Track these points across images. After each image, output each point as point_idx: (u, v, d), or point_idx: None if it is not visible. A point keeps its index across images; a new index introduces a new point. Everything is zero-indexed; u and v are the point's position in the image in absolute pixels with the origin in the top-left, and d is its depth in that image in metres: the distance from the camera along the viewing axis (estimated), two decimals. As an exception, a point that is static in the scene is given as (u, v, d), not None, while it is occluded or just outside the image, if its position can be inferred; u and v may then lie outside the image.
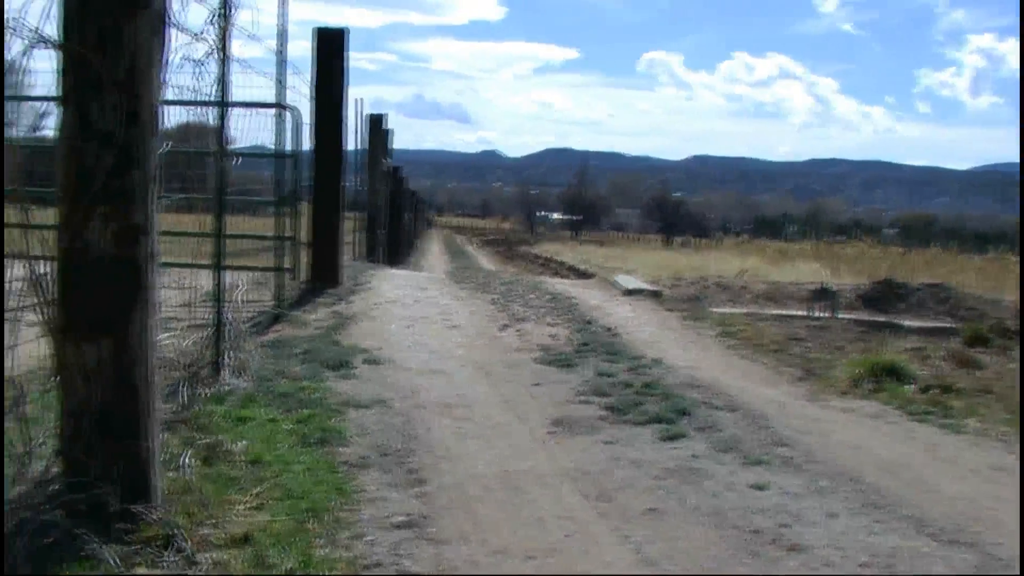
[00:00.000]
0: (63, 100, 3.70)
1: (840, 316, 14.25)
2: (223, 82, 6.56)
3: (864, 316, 14.99)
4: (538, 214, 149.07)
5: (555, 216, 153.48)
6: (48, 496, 3.77)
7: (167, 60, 4.17)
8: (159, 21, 3.82)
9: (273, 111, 9.71)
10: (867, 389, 7.88)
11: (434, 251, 54.13)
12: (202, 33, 6.08)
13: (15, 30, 3.56)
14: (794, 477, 5.32)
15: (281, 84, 9.59)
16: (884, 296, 16.77)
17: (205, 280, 7.19)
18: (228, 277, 7.79)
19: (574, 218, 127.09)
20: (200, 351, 6.64)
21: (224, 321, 6.83)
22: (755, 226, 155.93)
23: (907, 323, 14.47)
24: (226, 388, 6.28)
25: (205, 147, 7.30)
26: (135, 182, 3.74)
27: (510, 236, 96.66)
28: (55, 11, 3.69)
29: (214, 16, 6.39)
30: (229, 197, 8.67)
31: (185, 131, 7.96)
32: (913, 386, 7.95)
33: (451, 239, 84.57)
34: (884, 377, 8.06)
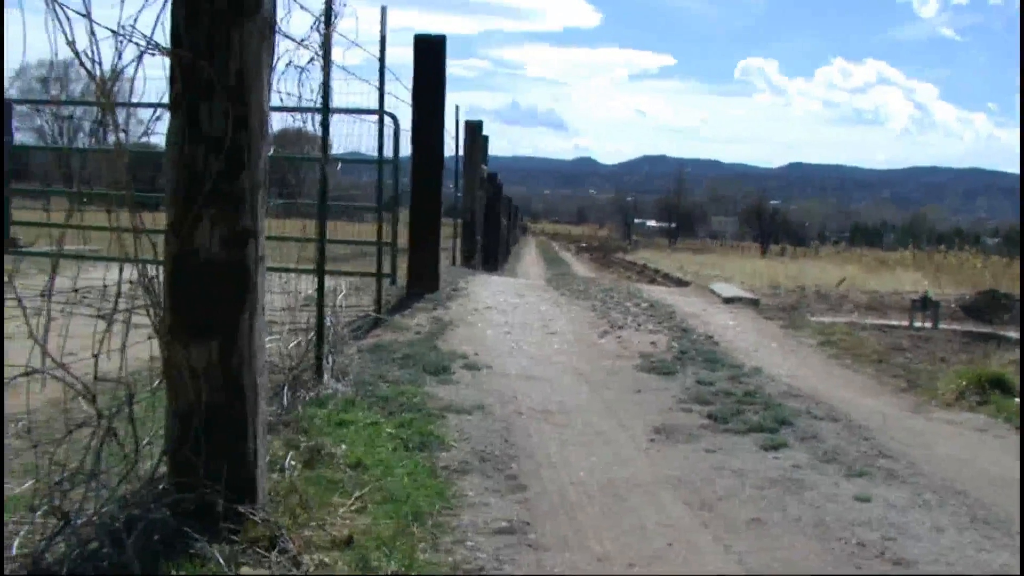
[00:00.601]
0: (173, 106, 3.75)
1: (942, 327, 14.02)
2: (326, 88, 6.61)
3: (968, 327, 14.75)
4: (634, 221, 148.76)
5: (651, 223, 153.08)
6: (156, 495, 3.82)
7: (274, 66, 4.24)
8: (267, 27, 3.86)
9: (374, 117, 9.79)
10: (972, 402, 7.73)
11: (530, 257, 54.22)
12: (305, 40, 6.14)
13: (127, 37, 3.61)
14: (898, 490, 5.23)
15: (382, 91, 9.65)
16: (988, 306, 16.49)
17: (306, 284, 7.25)
18: (329, 282, 7.85)
19: (670, 225, 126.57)
20: (302, 355, 6.69)
21: (326, 325, 6.88)
22: (852, 234, 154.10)
23: (1012, 334, 14.20)
24: (327, 392, 6.32)
25: (303, 153, 7.37)
26: (244, 186, 3.78)
27: (605, 243, 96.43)
28: (166, 19, 3.74)
29: (317, 23, 6.44)
30: (331, 203, 8.76)
31: (282, 138, 8.05)
32: (1020, 399, 7.78)
33: (547, 245, 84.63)
34: (990, 389, 7.90)
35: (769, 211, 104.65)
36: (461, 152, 19.47)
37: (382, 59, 9.38)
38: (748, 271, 39.65)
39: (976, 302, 16.59)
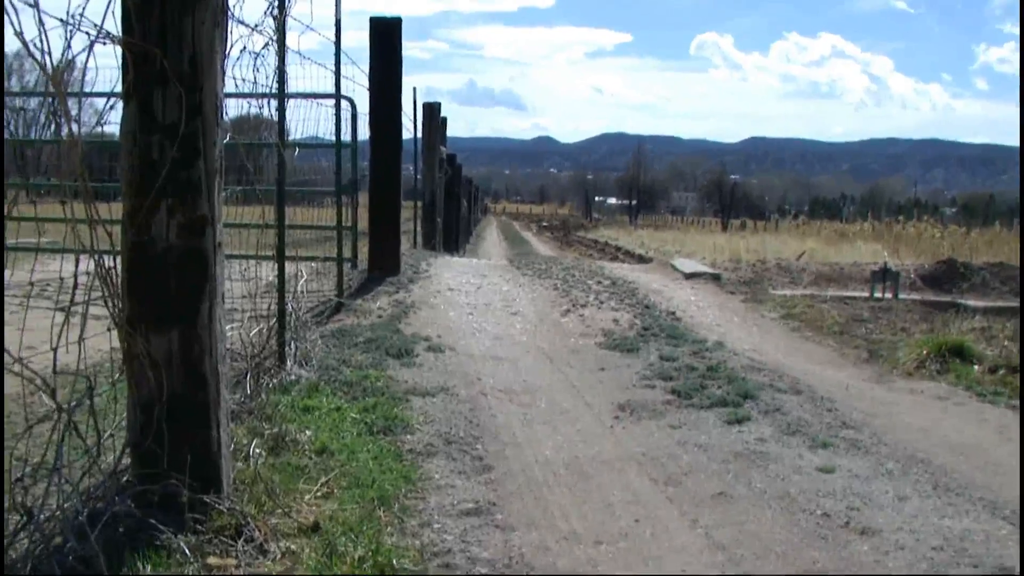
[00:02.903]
0: (126, 95, 3.72)
1: (902, 297, 14.12)
2: (281, 73, 6.58)
3: (927, 296, 14.86)
4: (595, 199, 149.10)
5: (612, 201, 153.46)
6: (120, 488, 3.80)
7: (228, 52, 4.21)
8: (220, 13, 3.83)
9: (332, 102, 9.74)
10: (933, 370, 7.80)
11: (492, 238, 54.23)
12: (259, 25, 6.10)
13: (75, 26, 3.57)
14: (862, 460, 5.27)
15: (338, 75, 9.61)
16: (947, 276, 16.63)
17: (267, 271, 7.21)
18: (290, 267, 7.80)
19: (631, 202, 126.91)
20: (264, 341, 6.66)
21: (287, 312, 6.85)
22: (812, 207, 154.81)
23: (971, 303, 14.33)
24: (291, 378, 6.30)
25: (261, 139, 7.34)
26: (200, 173, 3.75)
27: (567, 222, 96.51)
28: (117, 6, 3.70)
29: (271, 7, 6.40)
30: (289, 188, 8.72)
31: (241, 123, 8.00)
32: (980, 367, 7.84)
33: (508, 226, 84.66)
34: (950, 358, 7.97)
35: (729, 186, 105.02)
36: (419, 134, 19.42)
37: (337, 43, 9.34)
38: (709, 246, 39.81)
39: (935, 271, 16.72)
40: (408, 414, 5.78)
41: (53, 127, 3.80)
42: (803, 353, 8.70)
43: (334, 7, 9.09)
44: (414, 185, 19.52)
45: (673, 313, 9.90)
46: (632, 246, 43.68)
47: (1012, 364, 7.80)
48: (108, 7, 3.71)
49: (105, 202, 4.03)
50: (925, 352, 8.04)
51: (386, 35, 11.52)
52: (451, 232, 24.72)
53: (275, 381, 6.22)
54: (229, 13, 4.18)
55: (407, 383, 6.52)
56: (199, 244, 3.80)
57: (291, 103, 8.03)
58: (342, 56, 9.68)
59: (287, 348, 6.69)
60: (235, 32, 5.72)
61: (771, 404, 6.29)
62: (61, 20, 3.46)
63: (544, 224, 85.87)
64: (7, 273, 3.67)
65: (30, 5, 3.24)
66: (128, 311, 3.79)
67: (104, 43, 3.80)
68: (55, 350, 3.48)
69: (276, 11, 6.43)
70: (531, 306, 10.13)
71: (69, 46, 3.57)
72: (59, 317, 3.57)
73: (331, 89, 9.69)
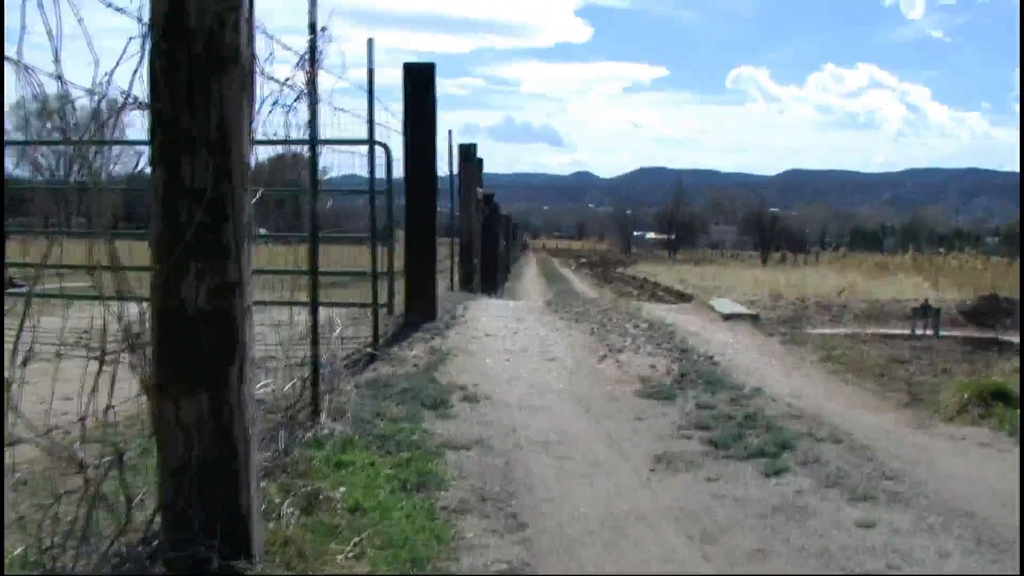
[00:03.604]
0: (154, 159, 3.72)
1: (943, 334, 13.99)
2: (313, 122, 6.59)
3: (969, 332, 14.71)
4: (634, 234, 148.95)
5: (650, 235, 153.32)
6: (151, 552, 3.79)
7: (257, 111, 4.21)
8: (247, 77, 3.83)
9: (364, 148, 9.77)
10: (975, 414, 7.67)
11: (530, 275, 54.25)
12: (290, 80, 6.12)
13: (102, 96, 3.58)
14: (903, 513, 5.18)
15: (371, 122, 9.63)
16: (988, 311, 16.45)
17: (301, 316, 7.18)
18: (324, 313, 7.81)
19: (669, 237, 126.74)
20: (298, 394, 6.65)
21: (320, 364, 6.84)
22: (852, 239, 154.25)
23: (1013, 339, 14.16)
24: (324, 432, 6.27)
25: (298, 178, 7.34)
26: (228, 238, 3.75)
27: (605, 257, 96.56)
28: (144, 71, 3.71)
29: (302, 61, 6.42)
30: (323, 235, 8.73)
31: (279, 162, 8.03)
32: (1021, 404, 7.72)
33: (547, 262, 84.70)
34: (992, 401, 7.84)
35: (768, 219, 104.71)
36: (455, 173, 19.46)
37: (370, 92, 9.36)
38: (748, 281, 39.69)
39: (977, 307, 16.55)
40: (442, 469, 5.75)
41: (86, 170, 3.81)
42: (843, 397, 8.61)
43: (366, 57, 9.12)
44: (451, 221, 19.55)
45: (711, 357, 9.83)
46: (671, 282, 43.61)
47: (1055, 410, 7.68)
48: (136, 72, 3.73)
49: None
50: (967, 396, 7.91)
51: (421, 80, 11.56)
52: (489, 272, 24.73)
53: (309, 435, 6.19)
54: (259, 70, 4.18)
55: (442, 436, 6.48)
56: (228, 308, 3.79)
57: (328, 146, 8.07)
58: (377, 102, 9.71)
59: (321, 401, 6.67)
60: (266, 88, 5.78)
61: (809, 454, 6.21)
62: (88, 90, 3.47)
63: (583, 260, 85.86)
64: (41, 319, 3.68)
65: (56, 78, 3.25)
66: (158, 376, 3.78)
67: (132, 109, 3.83)
68: (83, 420, 3.47)
69: (308, 64, 6.46)
70: (568, 351, 10.08)
71: (96, 116, 3.59)
72: (92, 365, 3.57)
73: (365, 134, 9.72)
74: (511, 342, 10.49)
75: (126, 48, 3.75)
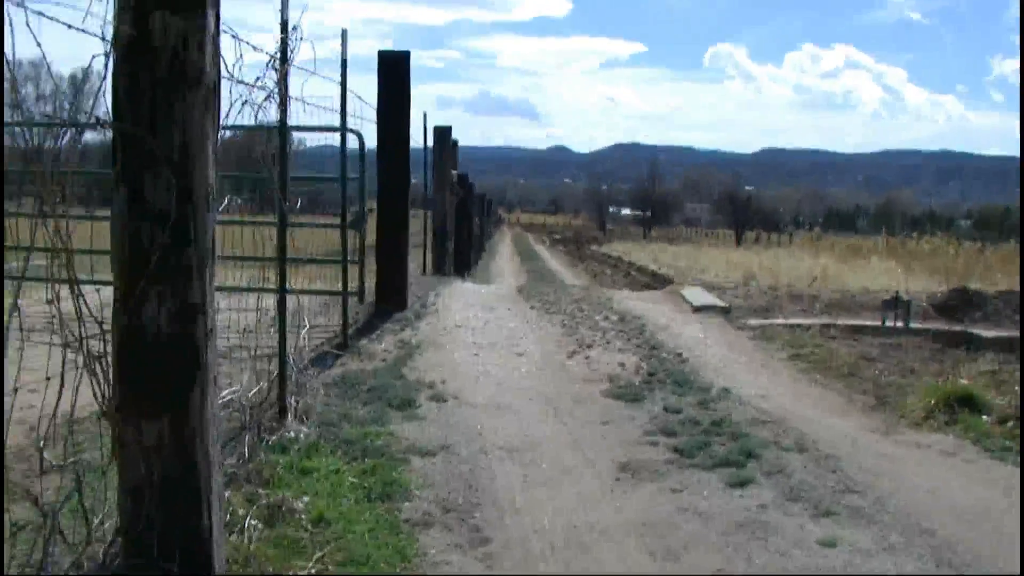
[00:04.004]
0: (116, 179, 3.68)
1: (914, 326, 14.04)
2: (283, 123, 6.55)
3: (940, 326, 14.77)
4: (609, 210, 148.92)
5: (625, 212, 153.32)
6: None
7: (225, 116, 4.17)
8: (211, 96, 3.78)
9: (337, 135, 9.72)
10: (942, 421, 7.70)
11: (504, 253, 54.18)
12: (260, 79, 6.09)
13: (67, 115, 3.54)
14: (865, 531, 5.20)
15: (343, 111, 9.57)
16: (959, 305, 16.51)
17: (270, 299, 7.11)
18: (292, 300, 7.78)
19: (644, 214, 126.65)
20: (264, 394, 6.63)
21: (288, 362, 6.81)
22: (827, 219, 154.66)
23: (982, 333, 14.22)
24: (289, 435, 6.25)
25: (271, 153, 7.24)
26: (191, 260, 3.72)
27: (580, 233, 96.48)
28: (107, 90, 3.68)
29: (272, 61, 6.38)
30: (292, 224, 8.68)
31: (251, 139, 7.97)
32: (989, 418, 7.76)
33: (522, 238, 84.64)
34: (959, 408, 7.87)
35: (743, 199, 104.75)
36: (430, 152, 19.42)
37: (343, 83, 9.29)
38: (722, 263, 39.73)
39: (947, 300, 16.61)
40: (407, 477, 5.73)
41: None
42: (811, 399, 8.63)
43: (340, 45, 9.04)
44: (424, 194, 19.51)
45: (680, 354, 9.83)
46: (645, 262, 43.61)
47: (1020, 415, 7.71)
48: (99, 90, 3.70)
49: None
50: (933, 401, 7.94)
51: (394, 69, 11.52)
52: (462, 252, 24.71)
53: (274, 438, 6.17)
54: (228, 75, 4.15)
55: (408, 440, 6.46)
56: (191, 331, 3.76)
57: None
58: (352, 95, 9.64)
59: (288, 402, 6.65)
60: (235, 91, 5.74)
61: (775, 464, 6.22)
62: (48, 118, 3.44)
63: (557, 237, 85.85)
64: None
65: (13, 107, 3.21)
66: (119, 397, 3.75)
67: (95, 129, 3.80)
68: (41, 451, 3.44)
69: (278, 64, 6.42)
70: (537, 346, 10.08)
71: (61, 141, 3.56)
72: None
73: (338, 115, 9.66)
74: (481, 335, 10.47)
75: (89, 67, 3.72)
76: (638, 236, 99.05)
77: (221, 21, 3.89)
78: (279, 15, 6.72)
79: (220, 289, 7.11)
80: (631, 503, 5.60)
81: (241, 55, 5.60)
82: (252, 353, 7.73)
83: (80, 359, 3.71)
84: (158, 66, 3.64)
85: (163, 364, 3.73)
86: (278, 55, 6.42)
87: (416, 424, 6.91)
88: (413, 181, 19.28)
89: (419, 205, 18.86)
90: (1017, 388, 8.82)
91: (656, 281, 33.05)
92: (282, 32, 6.59)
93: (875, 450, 6.93)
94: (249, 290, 7.96)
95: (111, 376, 3.76)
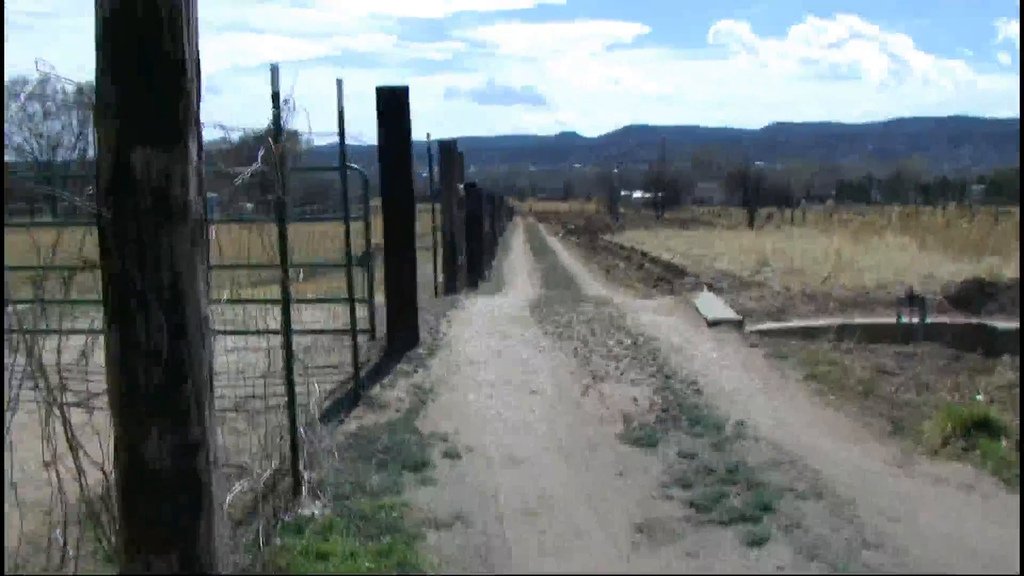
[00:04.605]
0: (108, 319, 3.67)
1: (929, 321, 14.04)
2: (280, 200, 6.52)
3: (956, 319, 14.76)
4: (621, 193, 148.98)
5: (636, 195, 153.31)
6: None
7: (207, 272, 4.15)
8: (198, 229, 3.76)
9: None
10: (959, 448, 7.67)
11: (517, 248, 54.19)
12: (256, 164, 6.07)
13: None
14: (884, 594, 5.18)
15: (343, 155, 9.55)
16: (974, 296, 16.49)
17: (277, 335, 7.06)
18: (302, 340, 7.76)
19: (656, 195, 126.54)
20: (276, 466, 6.64)
21: (299, 430, 6.78)
22: (839, 192, 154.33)
23: (998, 325, 14.21)
24: (304, 513, 6.23)
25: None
26: (187, 397, 3.71)
27: (592, 221, 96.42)
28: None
29: (267, 134, 6.36)
30: (294, 265, 8.65)
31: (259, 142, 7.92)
32: (1007, 442, 7.71)
33: (534, 230, 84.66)
34: (975, 431, 7.84)
35: (753, 178, 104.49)
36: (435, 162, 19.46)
37: (341, 131, 9.28)
38: (735, 248, 39.68)
39: (962, 292, 16.60)
40: (424, 556, 5.72)
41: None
42: (826, 425, 8.60)
43: (336, 96, 9.01)
44: (429, 189, 19.54)
45: (694, 382, 9.79)
46: (658, 251, 43.58)
47: (1038, 438, 7.68)
48: (83, 236, 3.69)
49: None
50: (950, 427, 7.90)
51: (393, 104, 11.46)
52: (474, 261, 24.69)
53: (288, 517, 6.16)
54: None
55: (423, 511, 6.42)
56: (193, 465, 3.75)
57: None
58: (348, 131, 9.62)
59: (301, 474, 6.63)
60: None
61: (791, 517, 6.20)
62: (32, 272, 3.42)
63: (571, 227, 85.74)
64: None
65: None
66: (125, 535, 3.75)
67: (83, 269, 3.79)
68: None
69: (272, 137, 6.40)
70: (550, 379, 10.04)
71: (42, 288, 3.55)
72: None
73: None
74: (494, 370, 10.44)
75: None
76: (650, 219, 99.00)
77: (204, 150, 3.87)
78: (270, 86, 6.71)
79: (223, 333, 7.12)
80: (649, 569, 5.58)
81: (228, 133, 5.60)
82: (267, 402, 7.78)
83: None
84: (142, 202, 3.62)
85: (168, 499, 3.72)
86: (271, 129, 6.40)
87: (430, 489, 6.88)
88: (424, 175, 19.33)
89: (422, 199, 18.84)
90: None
91: (670, 272, 33.04)
92: (273, 106, 6.57)
93: (892, 489, 6.90)
94: (255, 332, 7.98)
95: (116, 512, 3.76)
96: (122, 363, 3.66)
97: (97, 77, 3.67)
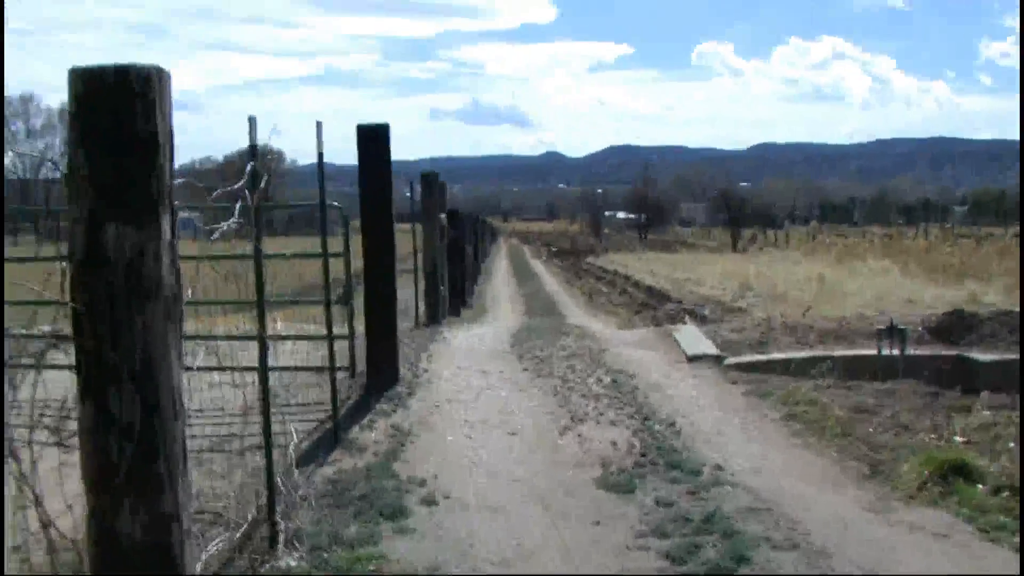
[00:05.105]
0: (81, 393, 3.70)
1: (910, 353, 14.11)
2: (258, 252, 6.53)
3: (937, 350, 14.83)
4: (604, 214, 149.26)
5: (620, 215, 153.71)
6: None
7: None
8: (171, 306, 3.79)
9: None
10: (935, 492, 7.69)
11: (500, 274, 54.28)
12: (234, 216, 6.09)
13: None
14: (856, 655, 5.21)
15: (322, 192, 9.60)
16: (955, 327, 16.57)
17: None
18: (278, 379, 7.73)
19: (640, 217, 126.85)
20: (255, 510, 6.66)
21: (275, 480, 6.79)
22: (822, 212, 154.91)
23: (979, 357, 14.28)
24: (280, 565, 6.23)
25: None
26: (160, 471, 3.74)
27: (576, 243, 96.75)
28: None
29: (246, 182, 6.37)
30: (274, 300, 8.67)
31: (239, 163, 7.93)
32: (983, 488, 7.75)
33: (518, 252, 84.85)
34: (952, 476, 7.88)
35: (737, 199, 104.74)
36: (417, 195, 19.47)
37: (320, 169, 9.32)
38: (718, 273, 39.87)
39: (942, 323, 16.67)
40: (400, 616, 5.72)
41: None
42: (804, 468, 8.62)
43: (316, 136, 9.05)
44: (411, 210, 19.57)
45: (673, 423, 9.81)
46: (642, 275, 43.81)
47: (1014, 484, 7.71)
48: (57, 312, 3.71)
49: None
50: (927, 472, 7.94)
51: (373, 140, 11.50)
52: (457, 287, 24.69)
53: (264, 571, 6.16)
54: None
55: (399, 563, 6.40)
56: (166, 540, 3.78)
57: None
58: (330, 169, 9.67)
59: (278, 526, 6.62)
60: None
61: (766, 568, 6.20)
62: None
63: (554, 249, 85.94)
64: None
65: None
66: (98, 607, 3.77)
67: (56, 346, 3.81)
68: None
69: (250, 191, 6.41)
70: (529, 420, 10.06)
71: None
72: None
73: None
74: (473, 410, 10.46)
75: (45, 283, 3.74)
76: (634, 241, 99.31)
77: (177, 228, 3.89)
78: (248, 137, 6.73)
79: (199, 369, 7.11)
80: (622, 627, 5.61)
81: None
82: (242, 445, 7.79)
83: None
84: (115, 279, 3.65)
85: (140, 572, 3.74)
86: (248, 182, 6.40)
87: (408, 539, 6.86)
88: (406, 194, 19.35)
89: (405, 219, 18.86)
90: (1012, 444, 8.87)
91: (653, 298, 33.16)
92: (251, 157, 6.58)
93: (868, 537, 6.91)
94: (230, 369, 7.96)
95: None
96: (95, 436, 3.69)
97: (70, 149, 3.70)
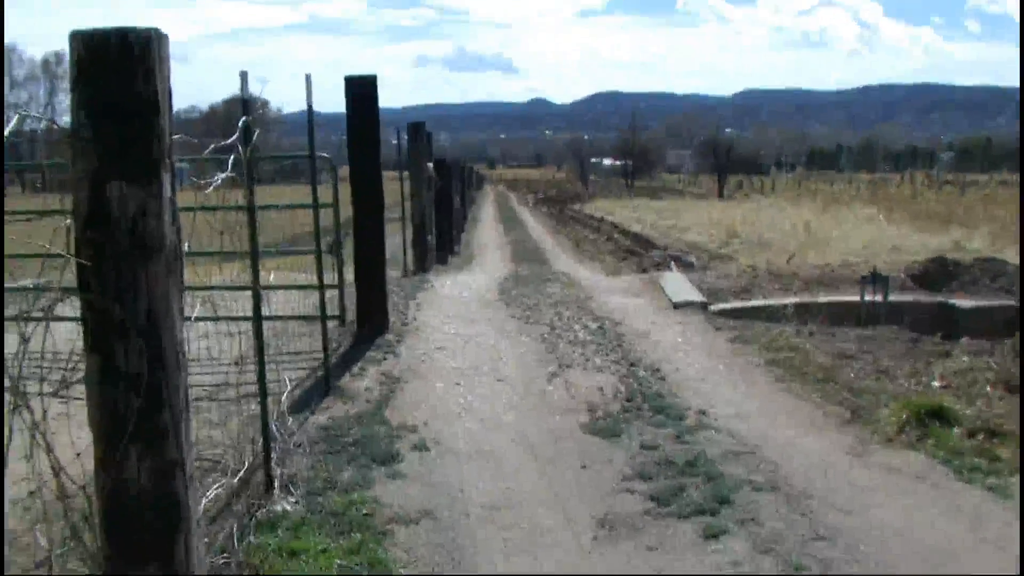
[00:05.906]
0: (87, 347, 3.84)
1: (892, 300, 14.29)
2: (251, 206, 6.65)
3: (919, 297, 15.01)
4: (591, 160, 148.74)
5: (607, 162, 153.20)
6: None
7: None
8: (173, 261, 3.93)
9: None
10: (913, 436, 7.89)
11: (487, 220, 54.33)
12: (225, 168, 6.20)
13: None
14: (833, 588, 5.41)
15: (312, 142, 9.72)
16: (937, 275, 16.75)
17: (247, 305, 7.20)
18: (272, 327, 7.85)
19: (627, 164, 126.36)
20: (251, 456, 6.84)
21: (270, 426, 6.95)
22: (809, 159, 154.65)
23: (959, 303, 14.47)
24: (277, 509, 6.41)
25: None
26: (166, 421, 3.88)
27: (563, 190, 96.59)
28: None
29: (238, 140, 6.48)
30: (266, 250, 8.81)
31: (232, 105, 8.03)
32: (959, 430, 7.95)
33: (504, 199, 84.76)
34: (930, 420, 8.07)
35: (724, 147, 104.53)
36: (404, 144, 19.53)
37: (310, 123, 9.44)
38: (705, 219, 39.93)
39: (925, 271, 16.86)
40: (392, 554, 5.90)
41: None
42: (786, 413, 8.80)
43: (305, 90, 9.15)
44: (398, 159, 19.65)
45: (658, 370, 10.01)
46: (628, 222, 43.83)
47: (990, 428, 7.90)
48: (64, 266, 3.84)
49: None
50: (905, 416, 8.13)
51: (362, 91, 11.60)
52: (444, 238, 24.83)
53: (262, 513, 6.34)
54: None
55: (392, 506, 6.57)
56: (171, 487, 3.94)
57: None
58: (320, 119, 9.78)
59: (273, 471, 6.80)
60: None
61: (748, 511, 6.40)
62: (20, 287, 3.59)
63: (540, 197, 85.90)
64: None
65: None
66: (106, 551, 3.93)
67: (62, 300, 3.96)
68: None
69: (242, 145, 6.52)
70: (517, 368, 10.24)
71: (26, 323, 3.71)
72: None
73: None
74: (462, 357, 10.64)
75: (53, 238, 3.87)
76: (621, 189, 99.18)
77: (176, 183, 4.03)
78: (240, 91, 6.85)
79: (196, 320, 7.25)
80: (607, 567, 5.79)
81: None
82: (237, 393, 7.96)
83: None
84: (119, 236, 3.77)
85: (146, 518, 3.91)
86: (241, 136, 6.50)
87: (400, 484, 7.04)
88: (393, 142, 19.41)
89: (392, 167, 18.89)
90: (989, 389, 9.06)
91: (639, 244, 33.23)
92: (244, 112, 6.70)
93: (847, 480, 7.11)
94: (225, 319, 8.10)
95: (98, 530, 3.94)
96: (102, 388, 3.83)
97: (73, 113, 3.81)
